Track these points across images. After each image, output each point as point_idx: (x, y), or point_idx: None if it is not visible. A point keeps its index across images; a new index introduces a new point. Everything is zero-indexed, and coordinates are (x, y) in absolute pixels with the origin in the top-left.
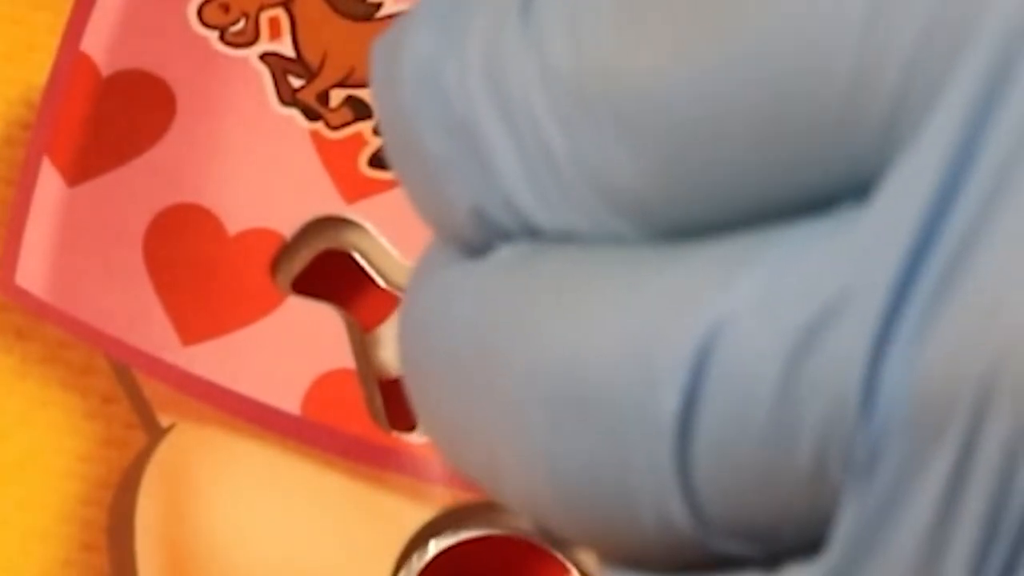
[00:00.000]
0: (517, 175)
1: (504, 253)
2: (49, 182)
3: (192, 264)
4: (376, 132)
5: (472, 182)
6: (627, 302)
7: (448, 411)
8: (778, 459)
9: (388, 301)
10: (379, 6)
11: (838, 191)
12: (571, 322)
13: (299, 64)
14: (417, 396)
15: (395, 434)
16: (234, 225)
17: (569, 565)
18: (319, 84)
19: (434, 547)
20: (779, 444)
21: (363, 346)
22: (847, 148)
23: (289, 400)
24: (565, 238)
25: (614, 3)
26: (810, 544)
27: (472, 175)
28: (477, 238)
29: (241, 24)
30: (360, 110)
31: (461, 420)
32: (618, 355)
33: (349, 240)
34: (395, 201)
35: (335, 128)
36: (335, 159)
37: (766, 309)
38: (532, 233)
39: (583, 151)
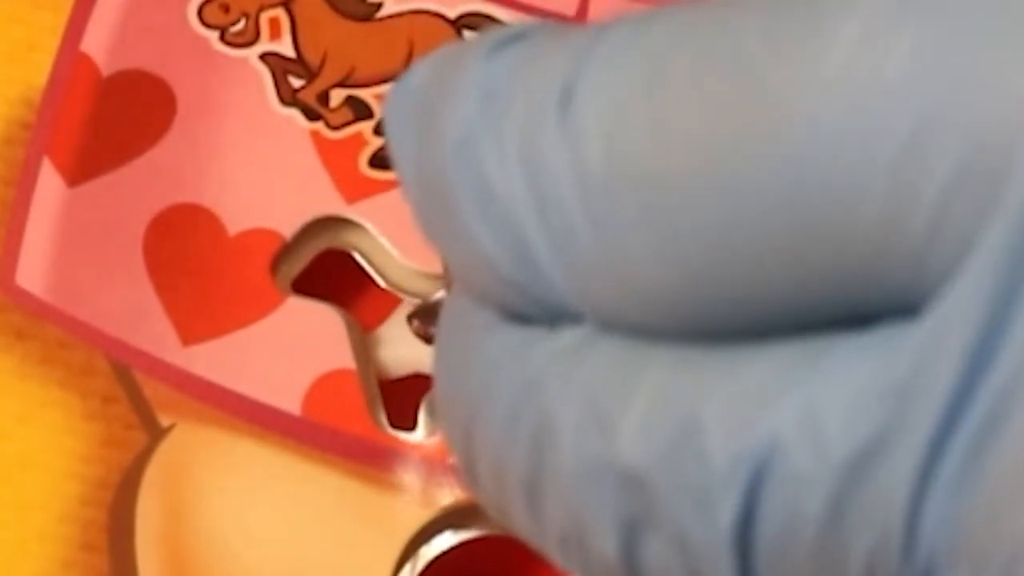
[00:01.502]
0: (551, 262)
1: (552, 343)
2: (49, 182)
3: (192, 264)
4: (376, 132)
5: (510, 262)
6: (676, 411)
7: (510, 501)
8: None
9: (388, 301)
10: (379, 6)
11: (871, 312)
12: (623, 419)
13: (299, 64)
14: (468, 474)
15: (395, 434)
16: (234, 225)
17: None
18: (319, 84)
19: (434, 547)
20: (829, 564)
21: (363, 346)
22: (876, 279)
23: (289, 400)
24: (607, 327)
25: (650, 105)
26: None
27: (510, 256)
28: (518, 308)
29: (241, 24)
30: (360, 110)
31: (524, 512)
32: (674, 461)
33: (349, 240)
34: (395, 201)
35: (335, 128)
36: (335, 159)
37: (815, 432)
38: (572, 317)
39: (612, 246)
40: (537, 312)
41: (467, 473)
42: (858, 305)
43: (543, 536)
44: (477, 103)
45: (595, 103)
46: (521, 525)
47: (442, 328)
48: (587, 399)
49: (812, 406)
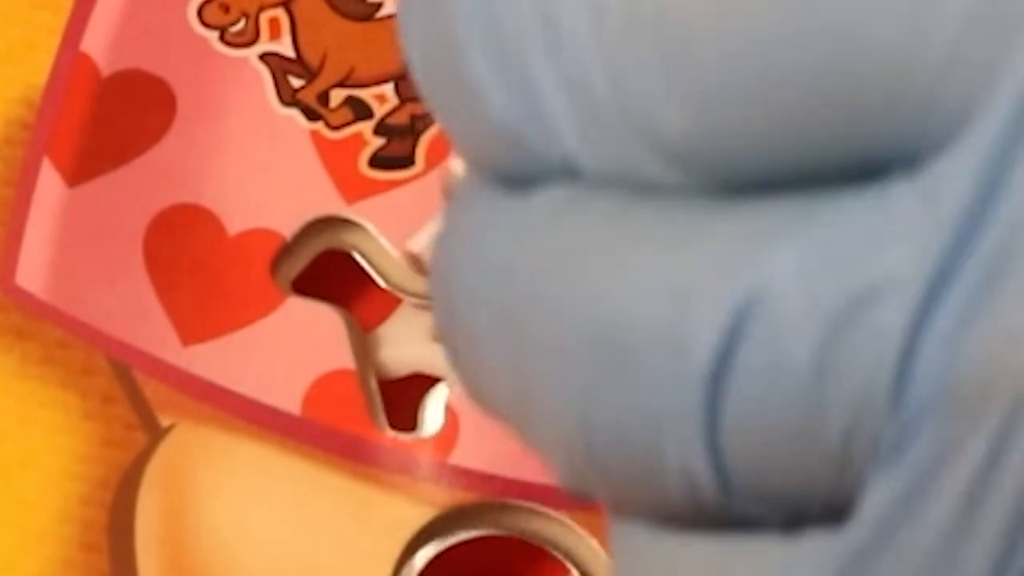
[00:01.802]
0: (561, 111)
1: (545, 196)
2: (49, 182)
3: (192, 264)
4: (376, 132)
5: (514, 109)
6: (669, 257)
7: (478, 349)
8: (806, 429)
9: (388, 301)
10: (379, 6)
11: (885, 160)
12: (611, 272)
13: (299, 64)
14: (445, 332)
15: (395, 434)
16: (234, 225)
17: (569, 565)
18: (319, 84)
19: (434, 547)
20: (808, 415)
21: (363, 346)
22: (892, 117)
23: (289, 400)
24: (605, 181)
25: None
26: (833, 513)
27: (515, 102)
28: (514, 167)
29: (241, 24)
30: (360, 110)
31: (491, 358)
32: (656, 308)
33: (349, 240)
34: (395, 201)
35: (335, 128)
36: (335, 159)
37: (808, 279)
38: (571, 172)
39: (629, 93)
40: (535, 172)
41: (447, 346)
42: (867, 157)
43: (508, 391)
44: None
45: None
46: (496, 404)
47: (444, 210)
48: (578, 252)
49: (805, 252)
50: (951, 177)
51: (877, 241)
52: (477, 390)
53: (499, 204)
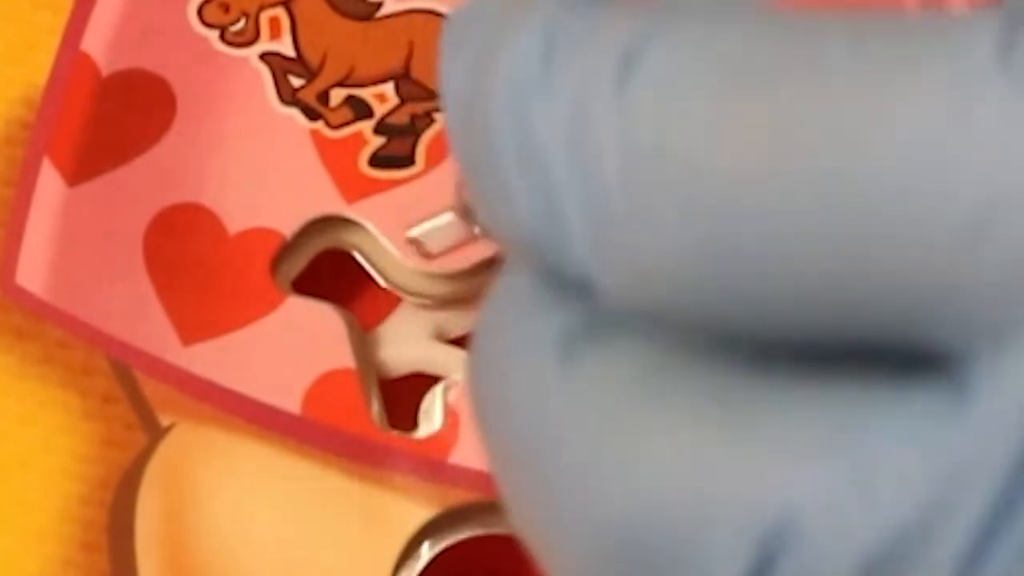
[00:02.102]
0: (579, 229)
1: (591, 367)
2: (49, 182)
3: (192, 264)
4: (376, 131)
5: (537, 216)
6: (692, 450)
7: (510, 478)
8: None
9: (388, 300)
10: (379, 6)
11: (900, 352)
12: (628, 457)
13: (299, 64)
14: (482, 437)
15: (395, 434)
16: (234, 225)
17: None
18: (319, 84)
19: (433, 547)
20: None
21: (363, 346)
22: (918, 328)
23: (289, 400)
24: (621, 314)
25: (716, 100)
26: None
27: (539, 210)
28: (539, 266)
29: (241, 24)
30: (360, 110)
31: (520, 493)
32: (678, 512)
33: (349, 240)
34: (395, 201)
35: (335, 128)
36: (335, 159)
37: (843, 511)
38: (587, 288)
39: (642, 230)
40: (556, 274)
41: (484, 445)
42: (886, 349)
43: (533, 530)
44: (539, 48)
45: (656, 81)
46: (520, 523)
47: (487, 303)
48: (601, 426)
49: (840, 475)
50: (1004, 406)
51: (920, 467)
52: (508, 503)
53: (530, 330)
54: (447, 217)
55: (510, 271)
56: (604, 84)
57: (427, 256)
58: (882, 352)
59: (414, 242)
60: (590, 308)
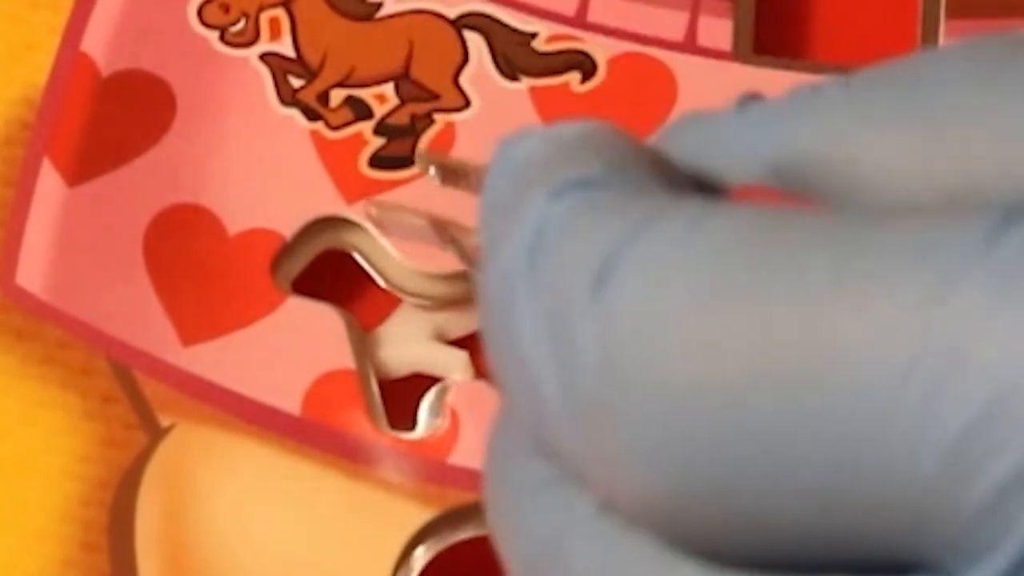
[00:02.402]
0: (565, 432)
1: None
2: (49, 182)
3: (192, 264)
4: (376, 132)
5: (530, 412)
6: None
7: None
8: None
9: (388, 301)
10: (379, 6)
11: (883, 564)
12: None
13: (299, 64)
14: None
15: (394, 434)
16: (234, 225)
17: None
18: (319, 84)
19: (434, 547)
20: None
21: (363, 346)
22: (902, 544)
23: (289, 400)
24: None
25: (695, 314)
26: None
27: (530, 407)
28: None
29: (241, 24)
30: (360, 110)
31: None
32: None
33: (349, 240)
34: (396, 200)
35: (335, 128)
36: (335, 159)
37: None
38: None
39: (626, 445)
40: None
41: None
42: (868, 561)
43: None
44: (526, 245)
45: (634, 292)
46: None
47: (489, 452)
48: None
49: None
50: None
51: None
52: None
53: (530, 483)
54: (421, 221)
55: (513, 452)
56: (579, 291)
57: (379, 226)
58: (862, 563)
59: (374, 208)
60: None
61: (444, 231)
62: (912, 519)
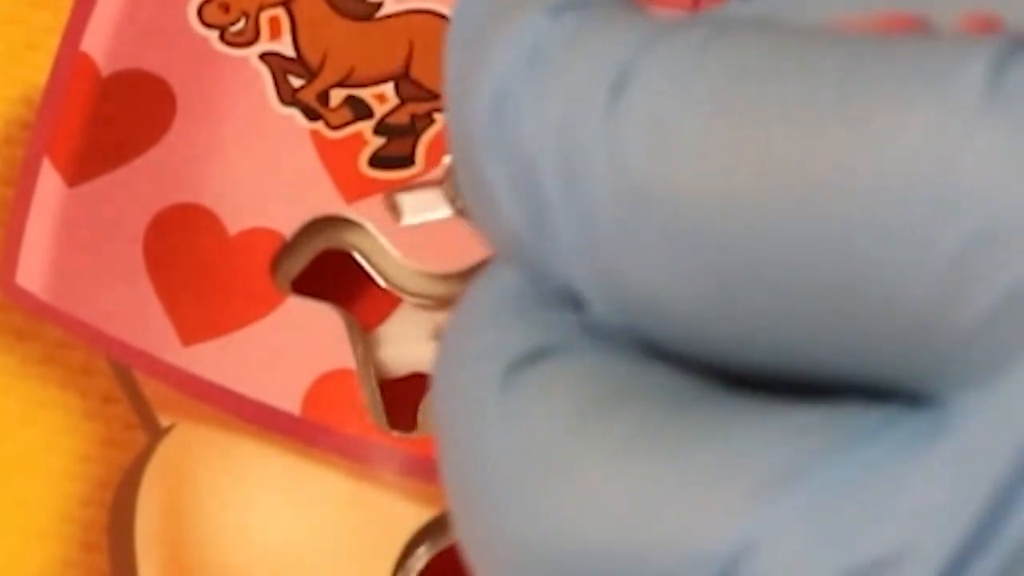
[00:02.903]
0: (571, 245)
1: (533, 377)
2: (49, 182)
3: (192, 264)
4: (376, 132)
5: (526, 223)
6: (632, 489)
7: (449, 488)
8: None
9: (388, 301)
10: (379, 6)
11: (889, 383)
12: (561, 504)
13: (299, 64)
14: (441, 464)
15: (395, 434)
16: (234, 225)
17: None
18: (319, 84)
19: (434, 547)
20: None
21: (363, 346)
22: (899, 359)
23: (289, 400)
24: (610, 326)
25: (707, 126)
26: None
27: (527, 219)
28: (526, 266)
29: (241, 24)
30: (360, 110)
31: (456, 508)
32: (608, 554)
33: (349, 240)
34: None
35: (335, 128)
36: (335, 159)
37: (812, 540)
38: (576, 298)
39: (632, 251)
40: (543, 277)
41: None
42: (868, 375)
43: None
44: (525, 59)
45: (648, 104)
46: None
47: (463, 298)
48: (547, 472)
49: (816, 506)
50: (982, 447)
51: (892, 511)
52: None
53: (483, 343)
54: (432, 191)
55: (493, 269)
56: (595, 98)
57: (397, 217)
58: (858, 383)
59: (390, 201)
60: (567, 318)
61: (452, 194)
62: (913, 336)
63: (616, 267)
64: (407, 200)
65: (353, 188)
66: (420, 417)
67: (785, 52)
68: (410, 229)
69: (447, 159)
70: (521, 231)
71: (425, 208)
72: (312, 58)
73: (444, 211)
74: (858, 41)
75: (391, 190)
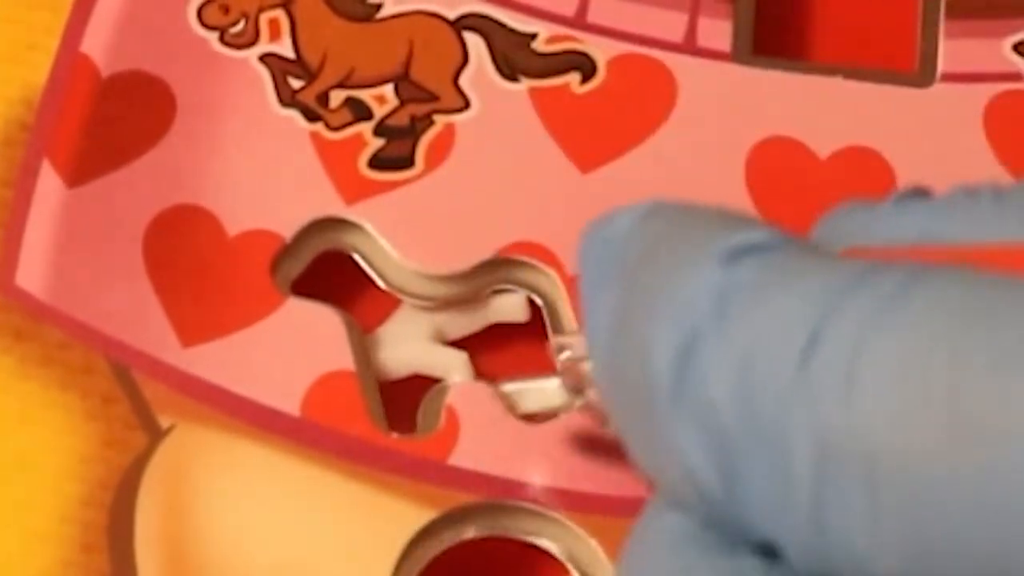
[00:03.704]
0: (760, 500)
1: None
2: (48, 183)
3: (192, 265)
4: (376, 133)
5: (712, 479)
6: None
7: None
8: None
9: (388, 302)
10: (379, 7)
11: None
12: None
13: (299, 65)
14: None
15: (394, 435)
16: (234, 226)
17: (568, 566)
18: (319, 85)
19: (434, 547)
20: None
21: (363, 347)
22: None
23: (289, 401)
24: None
25: (897, 372)
26: None
27: (715, 474)
28: (697, 513)
29: (241, 25)
30: (360, 111)
31: None
32: None
33: (349, 241)
34: (395, 202)
35: (335, 129)
36: (335, 160)
37: None
38: (768, 549)
39: (830, 508)
40: (724, 528)
41: None
42: None
43: None
44: (710, 311)
45: (839, 363)
46: None
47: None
48: None
49: None
50: None
51: None
52: None
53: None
54: (552, 383)
55: (658, 510)
56: (785, 361)
57: (517, 414)
58: None
59: (505, 397)
60: (757, 567)
61: (577, 386)
62: None
63: (817, 522)
64: (524, 393)
65: (353, 189)
66: (419, 418)
67: (975, 312)
68: (410, 229)
69: (564, 356)
70: (710, 484)
71: (545, 401)
72: (312, 59)
73: (564, 401)
74: None
75: (499, 383)
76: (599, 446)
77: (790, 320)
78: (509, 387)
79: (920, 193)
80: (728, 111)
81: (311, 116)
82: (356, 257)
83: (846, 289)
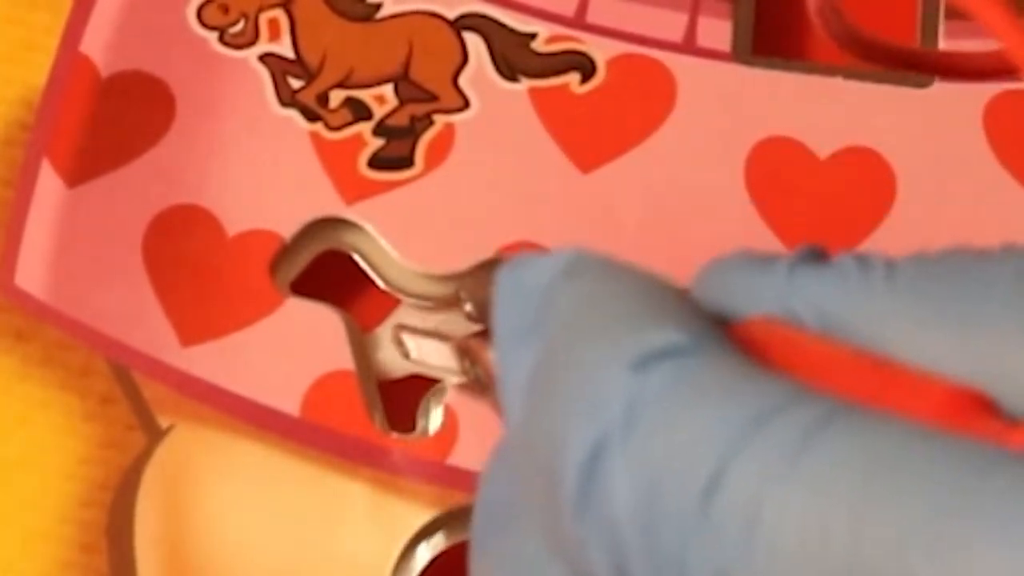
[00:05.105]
0: None
1: None
2: (48, 183)
3: (191, 265)
4: (375, 133)
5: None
6: None
7: None
8: None
9: (387, 302)
10: (378, 7)
11: None
12: None
13: (298, 65)
14: None
15: (394, 435)
16: (233, 226)
17: None
18: (318, 85)
19: (434, 547)
20: None
21: (362, 347)
22: None
23: (288, 401)
24: None
25: (797, 529)
26: None
27: (607, 571)
28: None
29: (240, 25)
30: (359, 111)
31: None
32: None
33: (348, 241)
34: (394, 202)
35: (334, 129)
36: (334, 160)
37: None
38: None
39: None
40: None
41: None
42: None
43: None
44: (619, 419)
45: (742, 504)
46: None
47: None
48: None
49: None
50: None
51: None
52: None
53: None
54: (446, 348)
55: (544, 559)
56: (688, 491)
57: (408, 359)
58: None
59: (401, 344)
60: None
61: (465, 356)
62: None
63: None
64: (422, 344)
65: (352, 189)
66: (418, 418)
67: (883, 461)
68: (409, 230)
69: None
70: (596, 572)
71: (437, 359)
72: (311, 59)
73: (451, 367)
74: (963, 456)
75: (401, 326)
76: None
77: (696, 452)
78: (410, 336)
79: (814, 255)
80: (728, 111)
81: (311, 116)
82: (356, 257)
83: (755, 424)
